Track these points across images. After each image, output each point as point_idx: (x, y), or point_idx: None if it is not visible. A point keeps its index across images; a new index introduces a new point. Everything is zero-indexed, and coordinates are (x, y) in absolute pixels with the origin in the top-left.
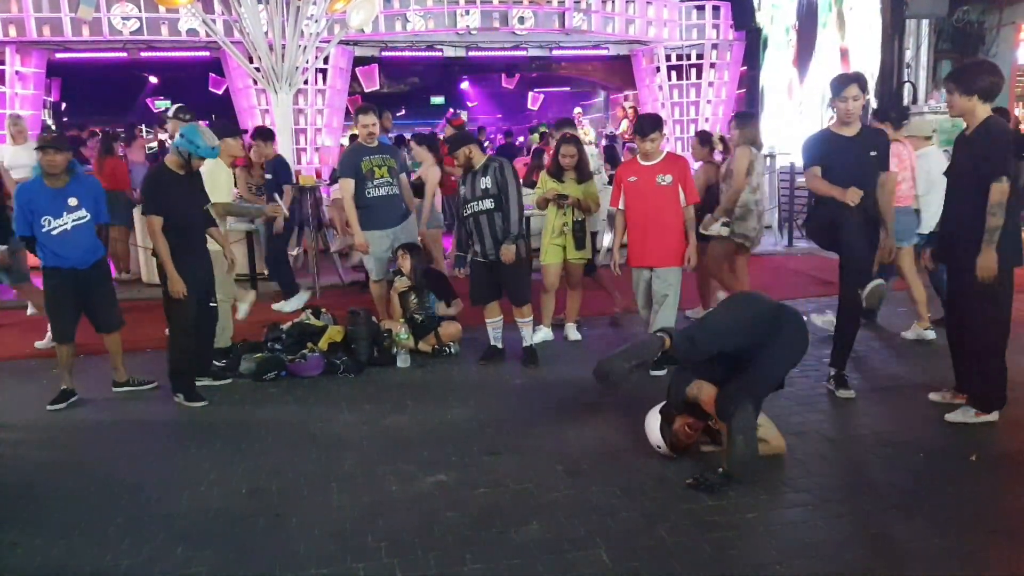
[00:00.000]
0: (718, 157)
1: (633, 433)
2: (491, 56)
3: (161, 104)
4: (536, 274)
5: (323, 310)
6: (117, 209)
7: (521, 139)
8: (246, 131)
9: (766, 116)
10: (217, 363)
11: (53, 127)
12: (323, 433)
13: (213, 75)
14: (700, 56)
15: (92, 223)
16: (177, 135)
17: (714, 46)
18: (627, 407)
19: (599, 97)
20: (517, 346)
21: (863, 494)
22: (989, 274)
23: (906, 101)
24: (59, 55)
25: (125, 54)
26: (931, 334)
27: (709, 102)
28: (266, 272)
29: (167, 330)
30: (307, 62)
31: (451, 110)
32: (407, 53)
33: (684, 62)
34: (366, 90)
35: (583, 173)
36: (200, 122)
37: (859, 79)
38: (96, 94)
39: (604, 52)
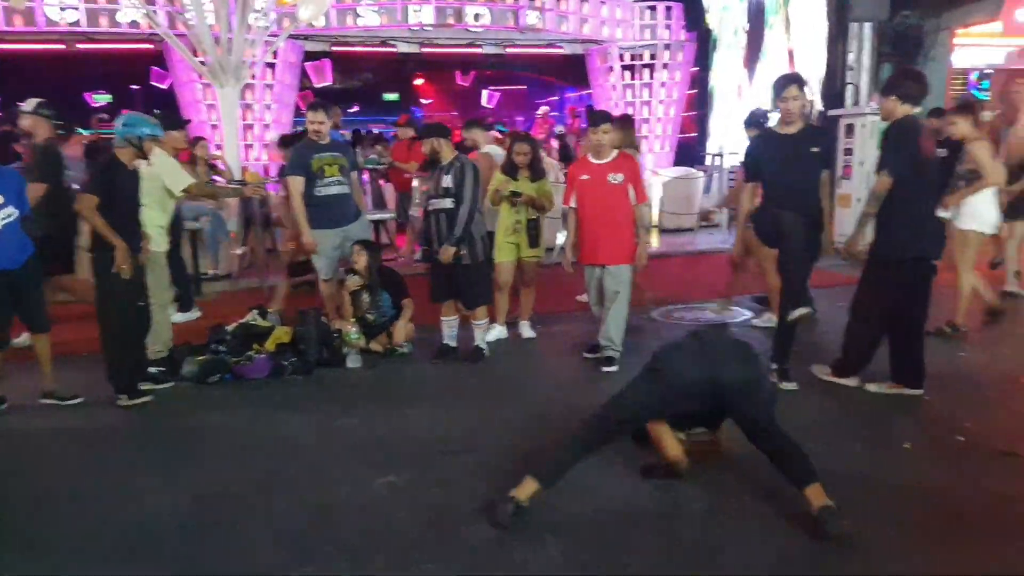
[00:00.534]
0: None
1: None
2: (445, 53)
3: (100, 99)
4: None
5: (270, 310)
6: None
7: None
8: (189, 121)
9: (716, 116)
10: (158, 368)
11: None
12: (271, 437)
13: (156, 68)
14: (653, 56)
15: (19, 220)
16: (119, 126)
17: (666, 46)
18: (580, 407)
19: (555, 96)
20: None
21: None
22: (851, 251)
23: (848, 103)
24: None
25: (63, 46)
26: None
27: (661, 102)
28: (210, 272)
29: (100, 332)
30: (255, 56)
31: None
32: (359, 49)
33: (637, 62)
34: (317, 85)
35: (537, 171)
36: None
37: (798, 80)
38: (32, 88)
39: (559, 51)
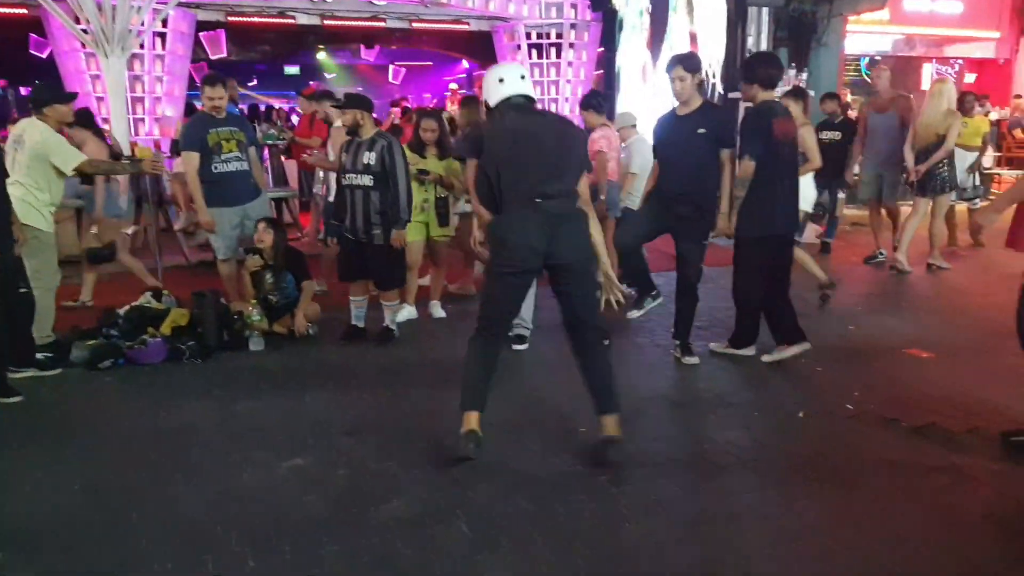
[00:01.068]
0: None
1: (493, 409)
2: (348, 26)
3: None
4: None
5: (165, 292)
6: None
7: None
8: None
9: (622, 97)
10: (45, 354)
11: None
12: (167, 423)
13: (34, 36)
14: (560, 35)
15: None
16: None
17: (572, 26)
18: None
19: (464, 74)
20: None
21: (705, 452)
22: (723, 233)
23: None
24: None
25: None
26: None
27: (568, 82)
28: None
29: None
30: (142, 24)
31: (312, 84)
32: (256, 19)
33: (544, 40)
34: (212, 57)
35: (444, 148)
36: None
37: (683, 60)
38: None
39: (466, 27)
